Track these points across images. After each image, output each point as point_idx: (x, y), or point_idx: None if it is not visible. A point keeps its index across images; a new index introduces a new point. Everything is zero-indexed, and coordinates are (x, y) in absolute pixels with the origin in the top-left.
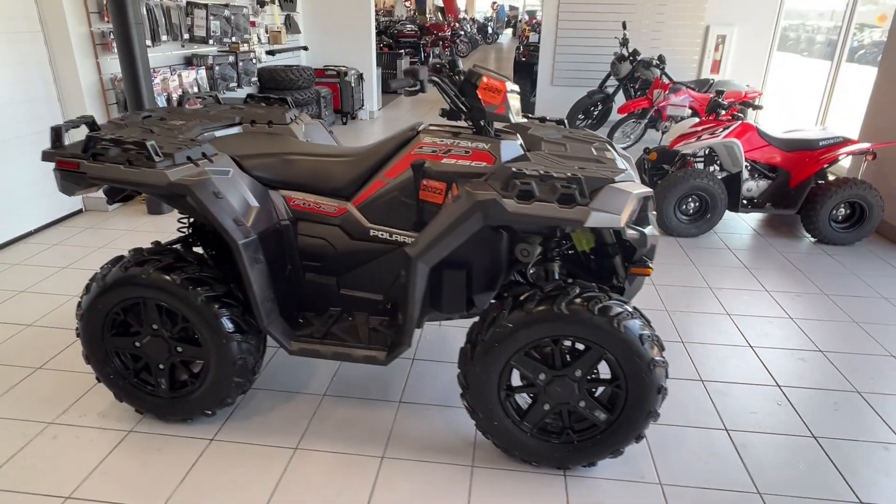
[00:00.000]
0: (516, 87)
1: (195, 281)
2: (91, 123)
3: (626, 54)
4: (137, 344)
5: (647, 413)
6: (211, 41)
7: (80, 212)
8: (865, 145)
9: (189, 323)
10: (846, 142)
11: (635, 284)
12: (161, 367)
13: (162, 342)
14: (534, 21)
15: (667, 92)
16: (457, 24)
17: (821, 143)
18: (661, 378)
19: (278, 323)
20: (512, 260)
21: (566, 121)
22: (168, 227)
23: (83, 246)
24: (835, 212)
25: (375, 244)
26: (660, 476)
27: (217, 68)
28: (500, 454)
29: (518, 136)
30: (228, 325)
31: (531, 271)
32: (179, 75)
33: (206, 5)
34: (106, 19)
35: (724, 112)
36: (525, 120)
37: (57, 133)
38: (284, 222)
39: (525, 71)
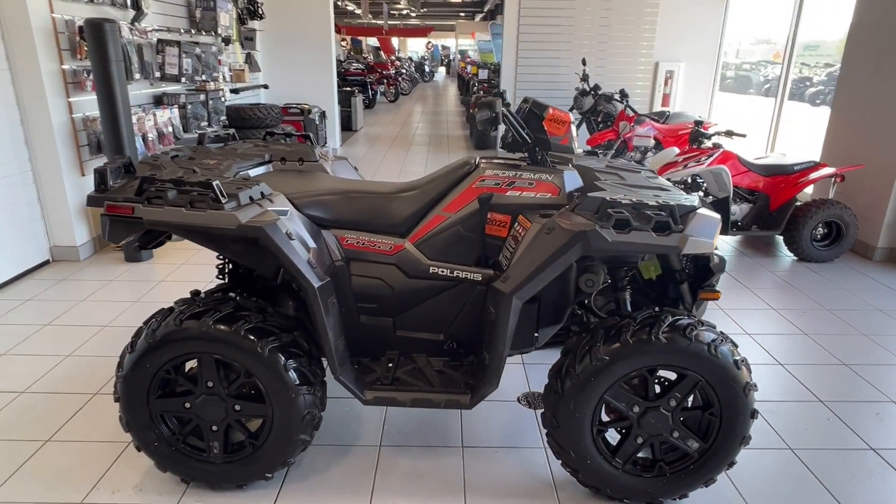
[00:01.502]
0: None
1: (260, 331)
2: (128, 165)
3: (588, 89)
4: (188, 405)
5: (742, 439)
6: (184, 79)
7: (47, 262)
8: (832, 169)
9: (250, 377)
10: (817, 166)
11: (701, 310)
12: (215, 428)
13: (218, 401)
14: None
15: (632, 124)
16: (398, 63)
17: (795, 168)
18: (753, 402)
19: (350, 371)
20: (576, 291)
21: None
22: (150, 275)
23: (61, 300)
24: (815, 231)
25: (435, 282)
26: (747, 501)
27: (189, 107)
28: (585, 494)
29: (570, 166)
30: (295, 376)
31: (595, 303)
32: (154, 115)
33: (178, 43)
34: (80, 56)
35: (707, 141)
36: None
37: (102, 176)
38: (339, 263)
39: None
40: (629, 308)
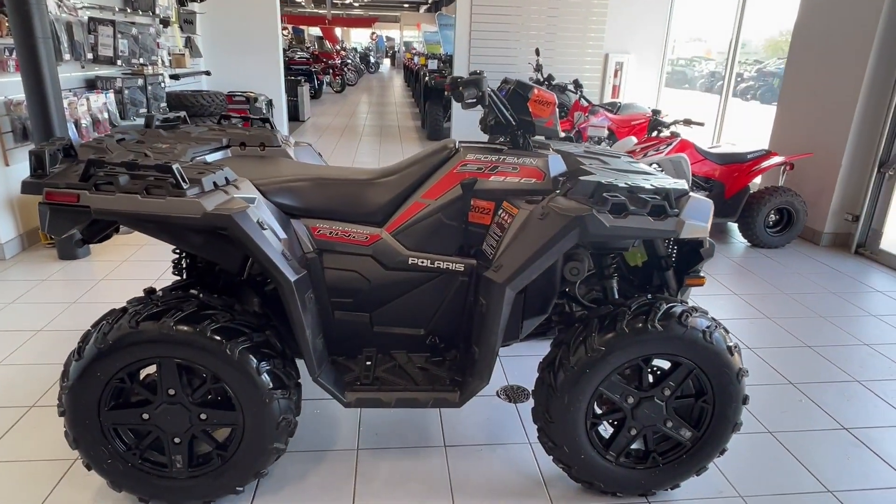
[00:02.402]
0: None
1: (228, 331)
2: (67, 147)
3: (542, 79)
4: (146, 416)
5: (734, 425)
6: (119, 62)
7: None
8: (782, 158)
9: (217, 383)
10: (768, 154)
11: (685, 296)
12: (177, 440)
13: (181, 410)
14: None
15: (586, 114)
16: (344, 53)
17: (749, 157)
18: (745, 387)
19: (329, 372)
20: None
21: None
22: (87, 274)
23: None
24: (767, 218)
25: (414, 273)
26: (737, 489)
27: (127, 92)
28: (576, 489)
29: (552, 150)
30: (268, 380)
31: (577, 291)
32: (87, 99)
33: (112, 22)
34: (0, 33)
35: (665, 130)
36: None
37: (39, 159)
38: (311, 255)
39: (435, 96)
40: (616, 296)
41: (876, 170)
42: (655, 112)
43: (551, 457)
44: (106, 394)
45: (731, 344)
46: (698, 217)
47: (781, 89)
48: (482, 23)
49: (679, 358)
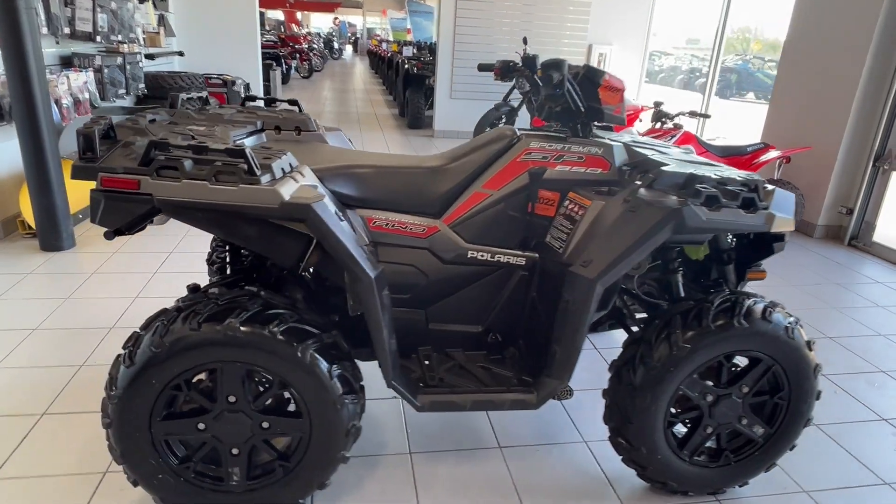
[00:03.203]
0: None
1: (298, 332)
2: (109, 128)
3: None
4: (202, 426)
5: (806, 421)
6: (99, 38)
7: None
8: (780, 151)
9: (284, 388)
10: (766, 147)
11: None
12: (236, 451)
13: (242, 418)
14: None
15: None
16: (310, 37)
17: (748, 150)
18: (819, 383)
19: (402, 375)
20: None
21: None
22: (76, 266)
23: None
24: None
25: (472, 268)
26: (800, 484)
27: (106, 71)
28: (643, 488)
29: (610, 140)
30: (339, 384)
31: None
32: (67, 78)
33: None
34: None
35: (669, 121)
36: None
37: (89, 140)
38: (367, 248)
39: (416, 84)
40: (682, 292)
41: (871, 164)
42: (658, 103)
43: (622, 457)
44: (159, 403)
45: (808, 339)
46: (785, 210)
47: (775, 83)
48: (467, 10)
49: (759, 354)
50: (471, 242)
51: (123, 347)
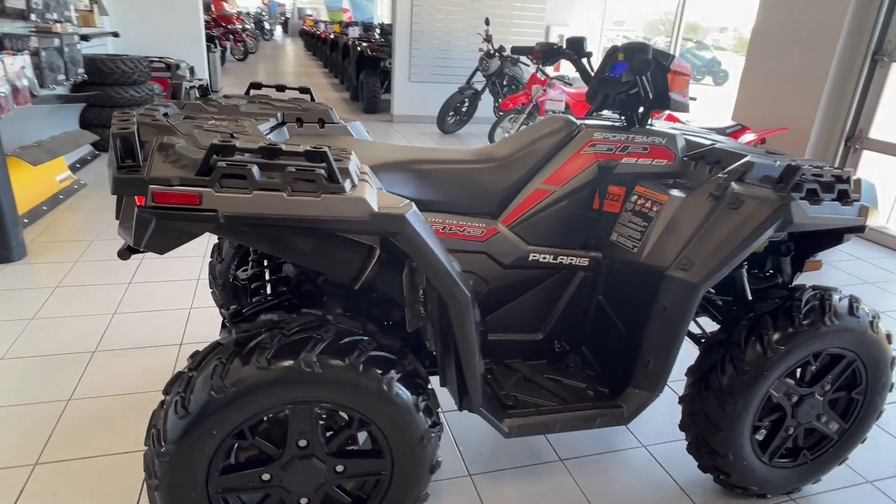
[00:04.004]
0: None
1: (380, 361)
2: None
3: (493, 50)
4: (268, 476)
5: (879, 413)
6: (34, 15)
7: None
8: (756, 134)
9: (365, 427)
10: (743, 129)
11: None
12: (304, 501)
13: (314, 463)
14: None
15: (545, 87)
16: (243, 17)
17: (727, 131)
18: (893, 375)
19: (488, 401)
20: None
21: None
22: (34, 280)
23: None
24: None
25: (533, 271)
26: (861, 474)
27: (44, 54)
28: (717, 491)
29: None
30: (426, 417)
31: None
32: (2, 62)
33: None
34: None
35: None
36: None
37: (128, 145)
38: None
39: (371, 67)
40: (747, 287)
41: (843, 143)
42: None
43: (700, 465)
44: (218, 455)
45: (888, 332)
46: (871, 200)
47: (745, 64)
48: None
49: (845, 351)
50: (531, 244)
51: (166, 392)
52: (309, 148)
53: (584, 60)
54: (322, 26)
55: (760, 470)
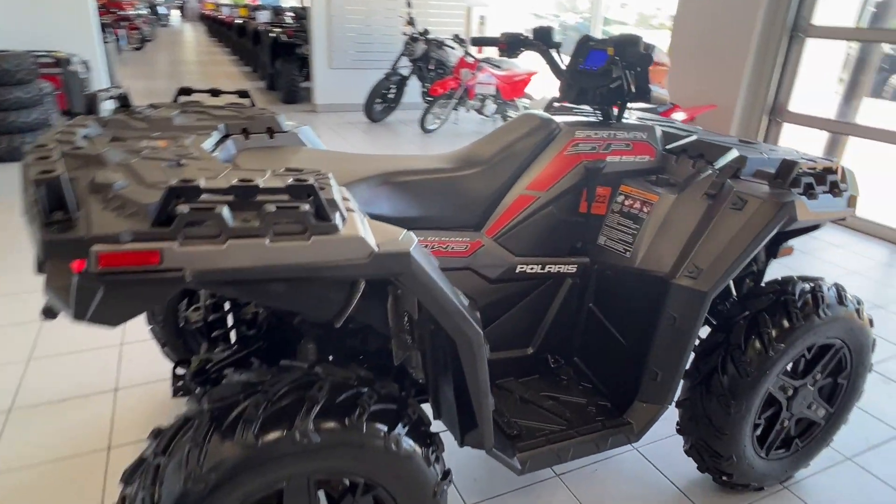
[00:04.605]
0: None
1: (383, 416)
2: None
3: (418, 34)
4: None
5: (859, 394)
6: None
7: None
8: (685, 112)
9: (371, 491)
10: (674, 107)
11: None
12: None
13: None
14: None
15: (474, 71)
16: (136, 2)
17: (658, 110)
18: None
19: (499, 440)
20: None
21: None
22: None
23: None
24: None
25: (520, 283)
26: (841, 452)
27: None
28: (714, 489)
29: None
30: (437, 470)
31: None
32: None
33: None
34: None
35: None
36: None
37: (55, 191)
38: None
39: (287, 54)
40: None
41: (767, 118)
42: None
43: (699, 466)
44: None
45: (869, 316)
46: (854, 188)
47: (671, 42)
48: None
49: (834, 339)
50: (518, 254)
51: (126, 482)
52: (291, 182)
53: (553, 51)
54: (225, 10)
55: (760, 465)
